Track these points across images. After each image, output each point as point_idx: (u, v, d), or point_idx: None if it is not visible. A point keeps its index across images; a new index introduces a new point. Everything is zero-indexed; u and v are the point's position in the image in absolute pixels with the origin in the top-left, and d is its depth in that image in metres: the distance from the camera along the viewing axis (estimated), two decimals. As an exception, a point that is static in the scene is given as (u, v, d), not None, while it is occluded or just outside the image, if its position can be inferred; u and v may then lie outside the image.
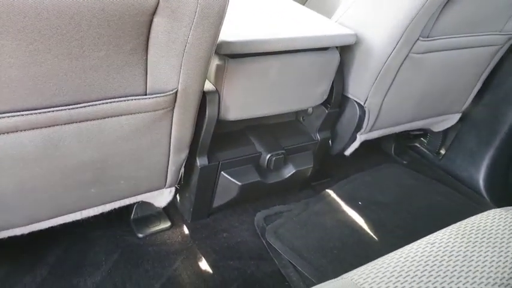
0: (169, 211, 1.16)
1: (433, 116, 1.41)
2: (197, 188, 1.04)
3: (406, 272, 0.60)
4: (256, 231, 1.15)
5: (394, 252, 0.66)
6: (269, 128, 1.17)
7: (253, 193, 1.13)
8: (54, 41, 0.58)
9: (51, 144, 0.71)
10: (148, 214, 1.13)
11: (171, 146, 0.88)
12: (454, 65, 1.22)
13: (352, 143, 1.25)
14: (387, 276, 0.59)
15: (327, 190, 1.34)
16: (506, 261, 0.66)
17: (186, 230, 1.12)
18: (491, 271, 0.63)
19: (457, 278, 0.61)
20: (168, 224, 1.12)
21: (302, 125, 1.23)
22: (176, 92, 0.77)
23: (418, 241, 0.70)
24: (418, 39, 1.03)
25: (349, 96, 1.15)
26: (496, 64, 1.37)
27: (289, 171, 1.15)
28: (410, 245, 0.69)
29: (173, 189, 1.01)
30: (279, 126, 1.19)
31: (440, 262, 0.63)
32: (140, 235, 1.07)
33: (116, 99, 0.72)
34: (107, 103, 0.71)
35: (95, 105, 0.70)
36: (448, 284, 0.60)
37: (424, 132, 1.65)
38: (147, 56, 0.69)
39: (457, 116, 1.50)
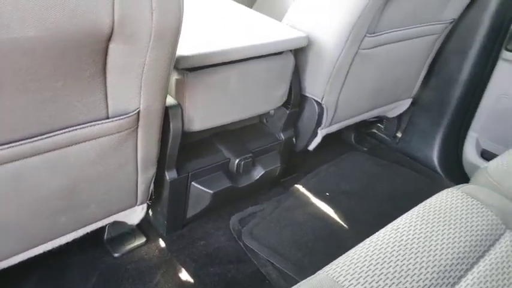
0: (143, 226, 1.16)
1: (387, 103, 1.49)
2: (169, 201, 1.05)
3: (376, 260, 0.65)
4: (233, 234, 1.18)
5: (364, 242, 0.71)
6: (235, 133, 1.19)
7: (225, 199, 1.15)
8: (7, 77, 0.58)
9: (17, 179, 0.70)
10: (122, 232, 1.12)
11: (139, 164, 0.89)
12: (401, 56, 1.29)
13: (314, 138, 1.30)
14: (359, 266, 0.63)
15: (295, 185, 1.39)
16: (461, 236, 0.73)
17: (162, 244, 1.13)
18: (449, 248, 0.69)
19: (421, 259, 0.67)
20: (143, 239, 1.12)
21: (266, 126, 1.26)
22: (138, 112, 0.77)
23: (384, 228, 0.75)
24: (365, 36, 1.08)
25: (307, 95, 1.20)
26: (437, 50, 1.47)
27: (258, 172, 1.18)
28: (378, 233, 0.74)
29: (145, 205, 1.01)
30: (244, 130, 1.22)
31: (405, 246, 0.69)
32: (116, 254, 1.06)
33: (79, 127, 0.72)
34: (70, 131, 0.71)
35: (58, 135, 0.69)
36: (413, 265, 0.66)
37: (380, 118, 1.73)
38: (106, 80, 0.69)
39: (409, 101, 1.59)
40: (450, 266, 0.67)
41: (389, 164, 1.60)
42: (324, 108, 1.21)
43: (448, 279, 0.65)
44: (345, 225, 1.25)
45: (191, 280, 1.04)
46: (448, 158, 1.64)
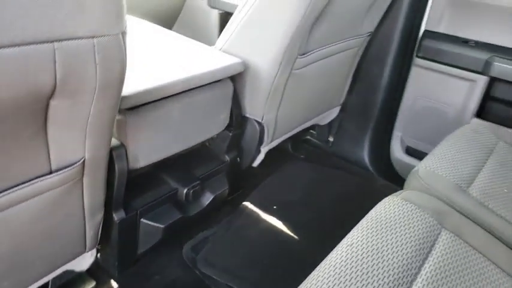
0: (92, 269, 1.10)
1: (320, 113, 1.57)
2: (119, 242, 1.01)
3: (337, 281, 0.70)
4: (188, 264, 1.16)
5: (321, 263, 0.75)
6: (179, 160, 1.18)
7: (177, 230, 1.14)
8: None
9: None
10: (69, 279, 1.05)
11: (86, 212, 0.85)
12: (328, 70, 1.37)
13: (257, 155, 1.33)
14: (325, 291, 0.67)
15: (243, 203, 1.41)
16: (406, 242, 0.80)
17: (114, 285, 1.08)
18: (398, 255, 0.76)
19: (377, 271, 0.73)
20: (92, 283, 1.06)
21: (209, 149, 1.26)
22: (84, 161, 0.74)
23: (339, 245, 0.80)
24: (296, 57, 1.14)
25: (248, 116, 1.22)
26: (359, 60, 1.58)
27: (207, 198, 1.18)
28: (334, 250, 0.79)
29: (94, 250, 0.96)
30: (189, 156, 1.21)
31: (361, 261, 0.74)
32: None
33: (20, 186, 0.66)
34: (9, 193, 0.66)
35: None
36: (371, 278, 0.71)
37: (312, 125, 1.83)
38: (47, 135, 0.65)
39: (338, 109, 1.70)
40: (402, 273, 0.74)
41: (325, 169, 1.69)
42: (264, 127, 1.25)
43: (401, 286, 0.72)
44: (296, 237, 1.30)
45: None
46: (377, 157, 1.77)
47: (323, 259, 0.76)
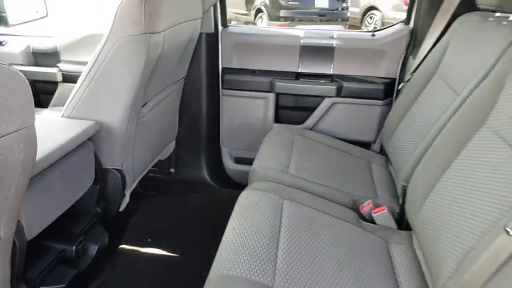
0: None
1: (162, 149, 1.83)
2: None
3: (232, 254, 0.99)
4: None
5: (219, 247, 1.03)
6: (55, 222, 1.25)
7: (76, 284, 1.21)
8: None
9: None
10: None
11: (-3, 292, 0.89)
12: (163, 113, 1.66)
13: (123, 199, 1.49)
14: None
15: (119, 246, 1.54)
16: (268, 222, 1.16)
17: None
18: (265, 227, 1.12)
19: (252, 242, 1.06)
20: None
21: (80, 204, 1.36)
22: (-2, 241, 0.81)
23: (226, 232, 1.09)
24: (140, 109, 1.38)
25: (109, 167, 1.38)
26: (181, 99, 1.92)
27: (93, 249, 1.29)
28: (224, 237, 1.08)
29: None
30: (63, 215, 1.28)
31: (241, 238, 1.06)
32: None
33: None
34: None
35: None
36: (250, 248, 1.04)
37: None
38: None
39: (174, 142, 1.99)
40: (269, 238, 1.09)
41: (175, 197, 1.95)
42: (125, 173, 1.43)
43: (271, 246, 1.06)
44: (177, 255, 1.52)
45: None
46: (215, 173, 2.13)
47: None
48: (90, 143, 1.26)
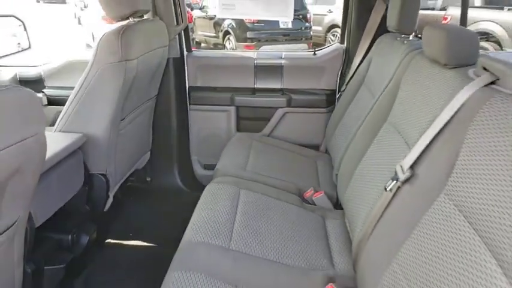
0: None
1: (139, 159, 2.11)
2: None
3: (196, 239, 1.29)
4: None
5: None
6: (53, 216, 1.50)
7: (72, 268, 1.46)
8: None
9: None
10: None
11: (14, 265, 1.15)
12: (138, 127, 1.95)
13: (107, 200, 1.76)
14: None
15: (108, 240, 1.81)
16: (225, 203, 1.46)
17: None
18: (223, 212, 1.42)
19: (211, 228, 1.36)
20: None
21: (71, 204, 1.62)
22: (17, 221, 1.08)
23: (190, 221, 1.39)
24: (120, 122, 1.67)
25: (95, 172, 1.66)
26: (154, 114, 2.21)
27: (84, 239, 1.55)
28: (187, 228, 1.37)
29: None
30: (58, 212, 1.54)
31: (205, 224, 1.36)
32: None
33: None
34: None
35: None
36: (209, 233, 1.34)
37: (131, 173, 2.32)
38: (1, 204, 1.00)
39: (149, 153, 2.27)
40: (224, 222, 1.39)
41: (147, 202, 2.22)
42: (108, 177, 1.70)
43: (227, 228, 1.37)
44: (155, 245, 1.79)
45: None
46: (185, 177, 2.41)
47: None
48: (79, 151, 1.54)
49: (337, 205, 1.69)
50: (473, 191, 0.79)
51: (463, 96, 0.95)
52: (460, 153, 0.87)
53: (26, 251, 1.23)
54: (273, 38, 8.33)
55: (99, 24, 7.94)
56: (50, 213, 1.37)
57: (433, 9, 7.65)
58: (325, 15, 9.35)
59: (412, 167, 1.03)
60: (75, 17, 9.01)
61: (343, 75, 2.26)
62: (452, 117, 0.96)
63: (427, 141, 1.00)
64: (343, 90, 2.14)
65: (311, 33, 8.72)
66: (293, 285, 1.14)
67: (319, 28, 9.36)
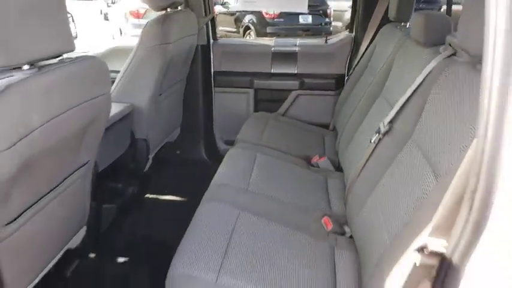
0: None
1: (171, 132, 2.44)
2: (94, 222, 1.64)
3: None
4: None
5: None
6: (107, 173, 1.86)
7: (121, 211, 1.81)
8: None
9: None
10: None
11: (86, 198, 1.49)
12: (172, 101, 2.29)
13: (147, 162, 2.10)
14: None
15: (148, 195, 2.15)
16: (240, 164, 1.78)
17: (92, 255, 1.68)
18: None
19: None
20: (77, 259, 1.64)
21: (121, 162, 1.96)
22: (89, 161, 1.42)
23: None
24: (158, 97, 2.01)
25: (139, 137, 1.99)
26: (184, 93, 2.55)
27: (130, 189, 1.90)
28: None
29: (85, 227, 1.57)
30: (109, 168, 1.90)
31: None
32: None
33: (65, 180, 1.32)
34: (59, 185, 1.31)
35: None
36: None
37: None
38: (80, 148, 1.34)
39: (178, 129, 2.60)
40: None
41: (177, 171, 2.56)
42: (149, 142, 2.04)
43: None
44: (183, 199, 2.13)
45: None
46: (210, 151, 2.73)
47: None
48: (127, 118, 1.88)
49: (339, 168, 1.98)
50: (430, 131, 1.08)
51: (430, 66, 1.24)
52: (425, 108, 1.16)
53: (91, 190, 1.58)
54: (292, 33, 8.52)
55: (126, 19, 8.43)
56: (106, 164, 1.71)
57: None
58: (345, 11, 9.51)
59: (391, 122, 1.32)
60: (101, 13, 9.51)
61: (351, 61, 2.54)
62: (421, 82, 1.25)
63: (403, 102, 1.29)
64: (351, 74, 2.42)
65: (331, 28, 8.87)
66: (297, 218, 1.45)
67: (339, 24, 9.52)
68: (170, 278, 1.08)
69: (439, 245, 0.68)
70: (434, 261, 0.67)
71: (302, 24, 8.56)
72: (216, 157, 2.75)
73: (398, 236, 0.96)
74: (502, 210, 0.57)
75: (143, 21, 3.15)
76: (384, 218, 1.11)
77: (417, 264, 0.70)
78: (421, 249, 0.70)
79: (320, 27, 8.72)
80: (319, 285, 1.12)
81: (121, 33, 8.44)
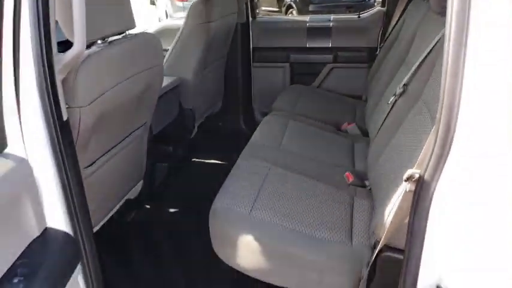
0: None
1: (215, 104, 2.70)
2: (150, 177, 1.94)
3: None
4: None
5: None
6: (161, 138, 2.15)
7: (171, 170, 2.10)
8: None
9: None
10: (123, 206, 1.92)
11: (143, 153, 1.78)
12: (212, 79, 2.54)
13: (193, 129, 2.37)
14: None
15: (193, 159, 2.44)
16: (275, 126, 2.00)
17: (147, 206, 1.99)
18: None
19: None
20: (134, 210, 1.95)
21: (170, 129, 2.24)
22: (146, 122, 1.70)
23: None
24: (203, 71, 2.26)
25: (186, 107, 2.26)
26: (224, 71, 2.79)
27: (180, 151, 2.18)
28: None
29: (141, 180, 1.87)
30: (161, 134, 2.19)
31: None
32: None
33: (129, 136, 1.61)
34: (123, 140, 1.60)
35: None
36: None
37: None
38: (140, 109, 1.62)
39: (220, 102, 2.85)
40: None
41: (218, 140, 2.81)
42: (195, 112, 2.31)
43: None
44: (224, 162, 2.39)
45: None
46: (248, 122, 2.95)
47: None
48: (176, 90, 2.15)
49: (366, 134, 2.14)
50: (435, 90, 1.24)
51: (443, 31, 1.37)
52: (433, 69, 1.31)
53: (147, 150, 1.87)
54: (336, 11, 8.43)
55: (172, 2, 8.79)
56: (159, 129, 2.00)
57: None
58: (389, -14, 9.24)
59: (405, 84, 1.47)
60: (148, -3, 9.96)
61: (382, 35, 2.65)
62: (434, 46, 1.39)
63: (416, 65, 1.44)
64: (382, 47, 2.54)
65: (375, 4, 8.65)
66: (322, 171, 1.65)
67: (382, -1, 9.30)
68: (213, 210, 1.33)
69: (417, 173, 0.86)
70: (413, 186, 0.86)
71: (345, 1, 8.42)
72: (254, 127, 2.96)
73: (398, 176, 1.14)
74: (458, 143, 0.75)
75: (187, 4, 3.42)
76: (393, 167, 1.29)
77: (407, 190, 0.89)
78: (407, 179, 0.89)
79: (364, 3, 8.50)
80: (339, 222, 1.32)
81: (167, 16, 8.83)
